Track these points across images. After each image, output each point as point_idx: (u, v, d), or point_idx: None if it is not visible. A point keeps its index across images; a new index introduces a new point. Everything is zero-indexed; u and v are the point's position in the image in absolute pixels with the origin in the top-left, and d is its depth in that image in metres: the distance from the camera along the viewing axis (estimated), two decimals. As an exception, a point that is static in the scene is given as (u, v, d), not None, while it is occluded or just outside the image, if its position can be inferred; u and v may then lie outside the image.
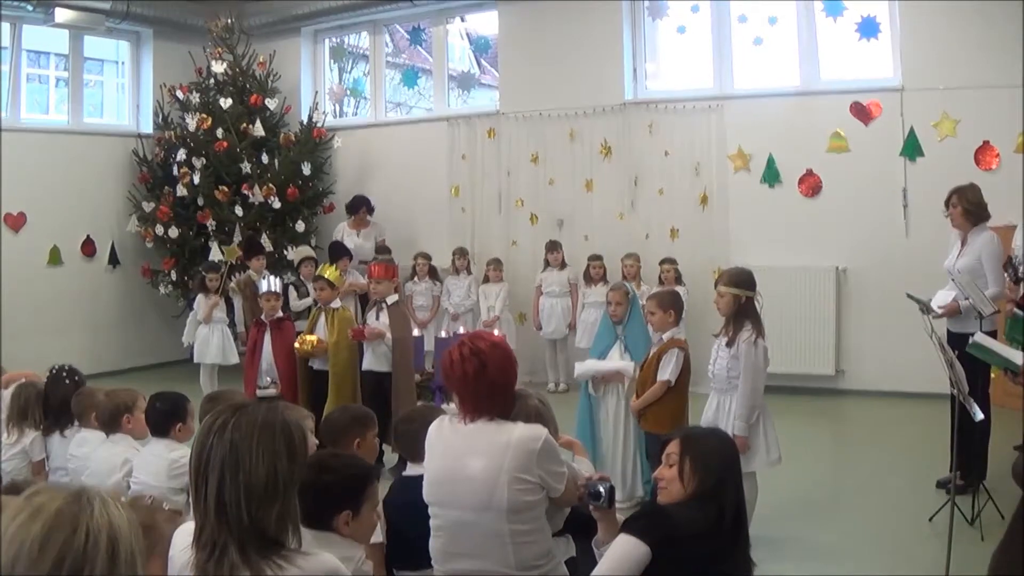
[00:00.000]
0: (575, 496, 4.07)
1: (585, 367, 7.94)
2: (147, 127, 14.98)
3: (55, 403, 6.51)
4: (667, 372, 7.06)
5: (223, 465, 2.67)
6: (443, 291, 13.14)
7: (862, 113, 11.64)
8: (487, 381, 4.01)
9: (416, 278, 13.05)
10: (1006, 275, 7.69)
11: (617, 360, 7.75)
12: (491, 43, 14.82)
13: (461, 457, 4.01)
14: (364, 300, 11.71)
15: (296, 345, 9.17)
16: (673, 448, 3.75)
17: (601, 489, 3.95)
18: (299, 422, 2.89)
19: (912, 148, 11.36)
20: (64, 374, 6.64)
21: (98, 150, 14.40)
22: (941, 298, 7.79)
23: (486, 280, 12.97)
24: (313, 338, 9.09)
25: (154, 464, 5.42)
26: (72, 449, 6.11)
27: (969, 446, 7.14)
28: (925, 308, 7.72)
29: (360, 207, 13.68)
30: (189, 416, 5.68)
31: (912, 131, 11.34)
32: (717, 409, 6.65)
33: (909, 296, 7.85)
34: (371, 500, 3.78)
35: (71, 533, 2.03)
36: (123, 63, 15.48)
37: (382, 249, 13.15)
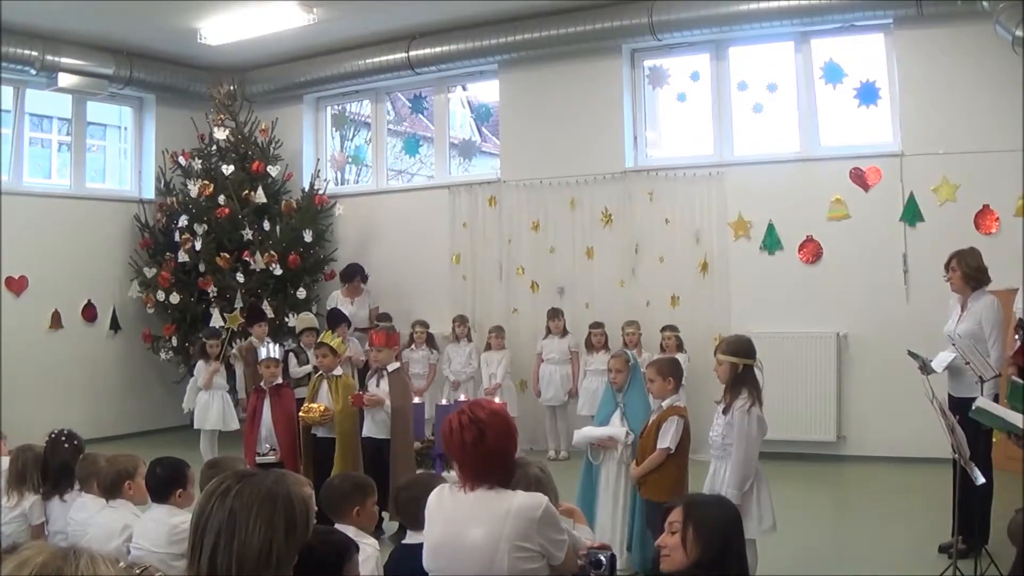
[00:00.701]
0: (575, 564, 4.05)
1: (581, 434, 7.96)
2: (149, 193, 15.11)
3: (54, 467, 6.51)
4: (667, 440, 7.06)
5: (220, 530, 2.67)
6: (444, 358, 13.14)
7: (862, 179, 11.71)
8: (486, 449, 4.01)
9: (413, 346, 13.05)
10: (1016, 337, 7.68)
11: (618, 427, 7.75)
12: (492, 111, 14.94)
13: (461, 525, 3.99)
14: (365, 368, 11.72)
15: (301, 414, 9.15)
16: (676, 516, 3.73)
17: (602, 558, 3.95)
18: (305, 499, 2.88)
19: (912, 213, 11.41)
20: (63, 439, 6.64)
21: (100, 215, 14.50)
22: (942, 359, 7.80)
23: (488, 348, 12.95)
24: (319, 406, 9.09)
25: (154, 530, 5.40)
26: (72, 514, 6.09)
27: (971, 510, 7.13)
28: (924, 366, 7.74)
29: (355, 276, 13.75)
30: (189, 482, 5.67)
31: (912, 196, 11.40)
32: (714, 475, 6.64)
33: (910, 353, 7.87)
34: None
35: None
36: (126, 128, 15.63)
37: (383, 317, 13.15)
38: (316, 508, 5.02)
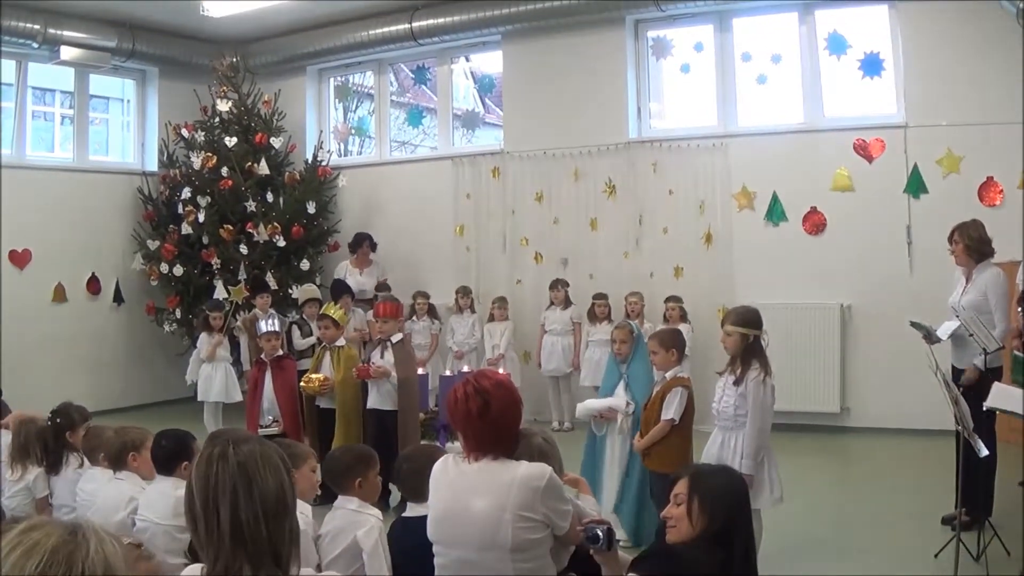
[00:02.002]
0: (579, 535, 4.07)
1: (583, 406, 8.01)
2: (152, 165, 15.09)
3: (58, 441, 6.56)
4: (671, 411, 7.08)
5: (234, 486, 2.69)
6: (447, 330, 13.18)
7: (865, 150, 11.68)
8: (490, 420, 4.02)
9: (415, 317, 13.06)
10: (1020, 310, 7.69)
11: (619, 398, 7.77)
12: (495, 82, 14.89)
13: (465, 496, 4.02)
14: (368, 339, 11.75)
15: (302, 384, 9.19)
16: (681, 487, 3.73)
17: (599, 532, 3.96)
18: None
19: (916, 185, 11.39)
20: (62, 415, 6.69)
21: (103, 188, 14.51)
22: (946, 328, 7.80)
23: (491, 319, 12.98)
24: (319, 376, 9.12)
25: (160, 502, 5.41)
26: (81, 484, 6.15)
27: (974, 482, 7.13)
28: (929, 335, 7.74)
29: (362, 243, 13.73)
30: (195, 455, 5.70)
31: (916, 168, 11.38)
32: (722, 446, 6.64)
33: (913, 324, 7.87)
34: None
35: (67, 572, 2.03)
36: (128, 101, 15.61)
37: (382, 287, 13.14)
38: (319, 479, 5.11)
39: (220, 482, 2.71)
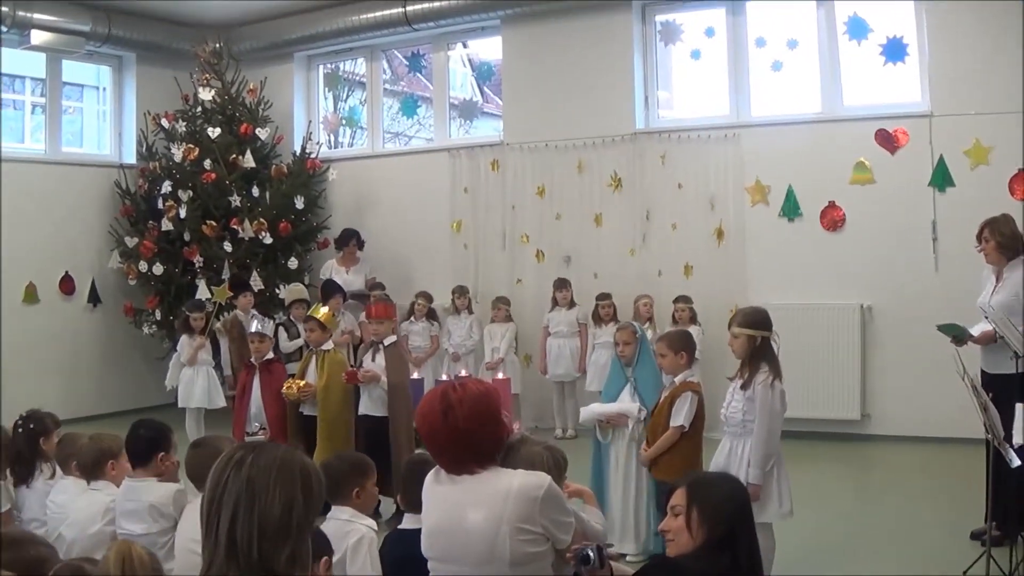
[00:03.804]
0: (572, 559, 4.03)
1: (590, 411, 7.96)
2: (130, 157, 15.04)
3: (26, 451, 6.50)
4: (680, 418, 7.06)
5: (238, 500, 2.69)
6: (443, 331, 13.14)
7: (888, 141, 11.63)
8: (453, 427, 3.96)
9: (413, 318, 13.02)
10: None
11: (628, 404, 7.73)
12: (494, 70, 14.86)
13: (459, 508, 3.98)
14: (359, 342, 11.71)
15: (283, 390, 9.17)
16: (679, 498, 3.71)
17: (589, 552, 3.93)
18: (316, 468, 2.91)
19: (942, 177, 11.33)
20: (35, 420, 6.64)
21: (77, 181, 14.43)
22: (977, 332, 7.75)
23: (491, 320, 12.95)
24: (299, 382, 9.11)
25: (135, 511, 5.42)
26: (52, 496, 6.09)
27: (1006, 495, 7.10)
28: (959, 336, 7.69)
29: (349, 241, 13.69)
30: (173, 447, 5.69)
31: (942, 159, 11.31)
32: (729, 454, 6.60)
33: (939, 328, 7.81)
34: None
35: None
36: (104, 89, 15.56)
37: (376, 286, 13.10)
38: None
39: (226, 492, 2.72)
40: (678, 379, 7.19)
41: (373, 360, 9.03)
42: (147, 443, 5.60)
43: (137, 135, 14.88)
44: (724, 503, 3.67)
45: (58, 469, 6.42)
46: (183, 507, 5.37)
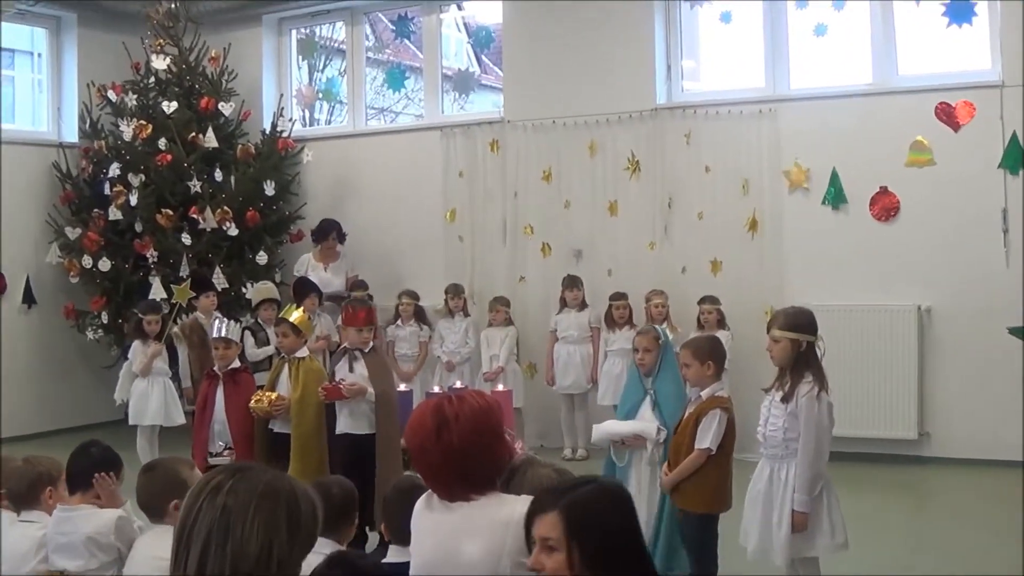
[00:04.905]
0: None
1: (602, 429, 7.96)
2: (71, 135, 15.03)
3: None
4: (707, 439, 6.95)
5: (211, 531, 2.68)
6: (435, 337, 13.11)
7: (950, 116, 11.60)
8: (447, 447, 3.96)
9: (400, 321, 13.02)
10: None
11: (648, 420, 7.70)
12: (494, 36, 14.87)
13: (454, 539, 3.98)
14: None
15: (251, 403, 9.10)
16: (549, 527, 3.45)
17: None
18: (311, 496, 2.90)
19: (1014, 158, 11.29)
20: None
21: (9, 162, 14.26)
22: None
23: (489, 324, 12.93)
24: (270, 394, 9.04)
25: (69, 544, 5.40)
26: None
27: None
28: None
29: (328, 233, 13.70)
30: (121, 469, 5.69)
31: (1014, 137, 11.27)
32: (770, 480, 6.56)
33: (1011, 331, 7.80)
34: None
35: None
36: (40, 55, 15.53)
37: (359, 285, 13.10)
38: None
39: (198, 522, 2.71)
40: (704, 393, 7.12)
41: (351, 371, 8.96)
42: (95, 467, 5.57)
43: (79, 109, 14.84)
44: (606, 522, 3.45)
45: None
46: (129, 538, 5.35)
